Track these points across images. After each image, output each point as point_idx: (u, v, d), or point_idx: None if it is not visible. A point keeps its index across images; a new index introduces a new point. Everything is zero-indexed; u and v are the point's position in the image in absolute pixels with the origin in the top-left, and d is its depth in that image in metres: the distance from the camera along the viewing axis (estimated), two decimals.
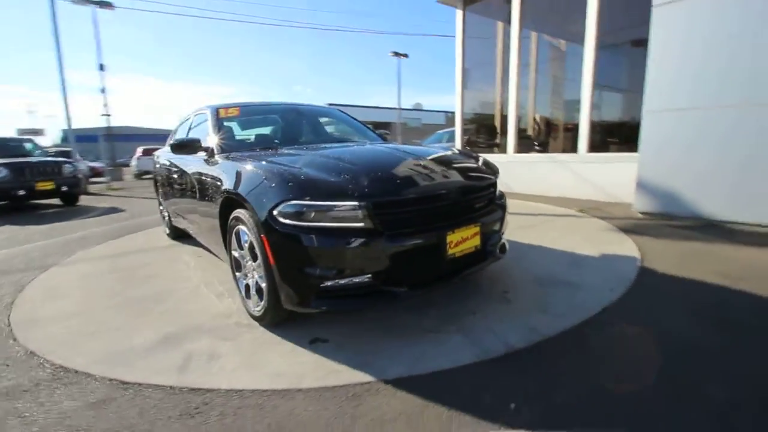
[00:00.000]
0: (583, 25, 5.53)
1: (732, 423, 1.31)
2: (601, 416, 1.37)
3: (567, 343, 1.86)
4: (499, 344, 1.84)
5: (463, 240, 1.98)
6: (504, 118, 7.39)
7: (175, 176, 3.40)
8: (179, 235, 4.24)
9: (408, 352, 1.80)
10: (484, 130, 8.13)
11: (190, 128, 3.55)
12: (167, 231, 4.38)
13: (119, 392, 1.62)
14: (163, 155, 4.03)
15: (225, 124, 2.93)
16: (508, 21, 7.20)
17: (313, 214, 1.74)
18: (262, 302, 2.03)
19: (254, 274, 2.10)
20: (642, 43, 4.43)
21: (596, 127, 5.74)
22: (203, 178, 2.66)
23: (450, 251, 1.93)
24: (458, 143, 7.95)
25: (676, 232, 3.68)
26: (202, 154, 2.75)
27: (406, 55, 30.01)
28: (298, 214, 1.75)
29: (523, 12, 6.46)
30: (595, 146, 5.73)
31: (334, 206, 1.74)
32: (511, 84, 6.75)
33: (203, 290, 2.74)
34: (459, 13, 7.48)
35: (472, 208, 2.13)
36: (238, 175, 2.13)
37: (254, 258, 2.03)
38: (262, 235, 1.83)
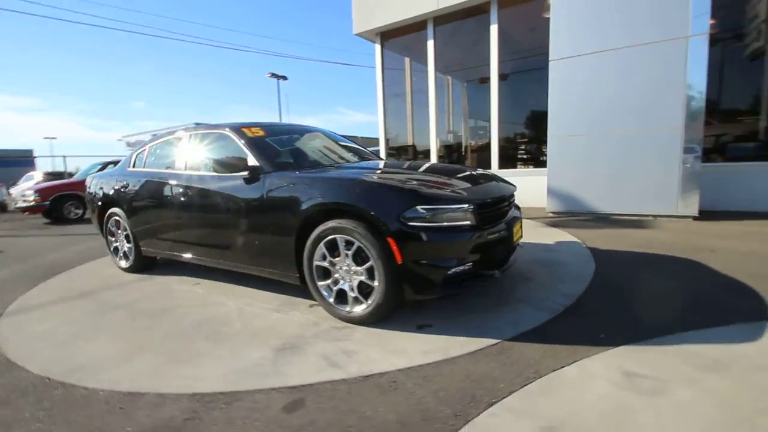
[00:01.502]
0: (487, 69, 6.97)
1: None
2: (648, 319, 2.13)
3: (594, 294, 2.64)
4: (555, 304, 2.50)
5: (517, 231, 2.62)
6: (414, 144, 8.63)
7: (180, 198, 3.17)
8: (144, 266, 3.82)
9: (503, 320, 2.32)
10: (403, 153, 9.10)
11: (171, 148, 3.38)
12: (125, 264, 3.86)
13: (325, 392, 1.71)
14: (138, 175, 3.61)
15: (264, 143, 2.97)
16: (418, 60, 8.41)
17: (435, 216, 2.14)
18: (370, 301, 2.27)
19: (353, 278, 2.33)
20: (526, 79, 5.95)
21: (503, 149, 7.20)
22: (252, 196, 2.69)
23: (514, 240, 2.54)
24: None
25: (584, 223, 5.07)
26: (238, 174, 2.77)
27: (284, 77, 29.96)
28: (424, 218, 2.12)
29: (436, 57, 7.67)
30: (503, 164, 7.18)
31: (452, 208, 2.17)
32: (431, 114, 7.87)
33: (254, 310, 2.72)
34: (377, 48, 8.35)
35: (515, 208, 2.80)
36: (343, 188, 2.36)
37: (360, 263, 2.27)
38: (388, 238, 2.12)
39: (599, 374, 1.74)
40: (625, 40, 4.96)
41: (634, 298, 2.58)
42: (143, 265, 3.81)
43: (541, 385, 1.68)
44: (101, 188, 4.00)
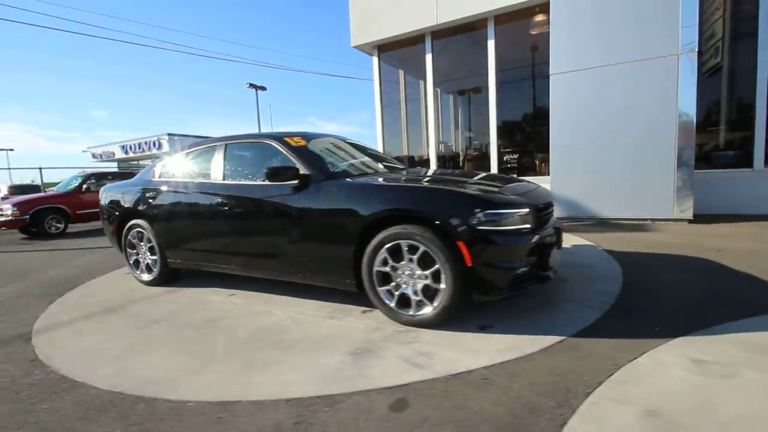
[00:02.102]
0: (478, 80, 7.26)
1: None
2: (690, 312, 2.29)
3: (631, 292, 2.81)
4: (600, 303, 2.65)
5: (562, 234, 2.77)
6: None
7: (221, 209, 3.12)
8: (168, 279, 3.72)
9: (559, 319, 2.43)
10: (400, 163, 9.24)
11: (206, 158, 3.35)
12: (148, 277, 3.74)
13: (422, 391, 1.75)
14: (167, 185, 3.53)
15: (310, 152, 3.00)
16: (411, 72, 8.65)
17: (501, 220, 2.24)
18: (436, 303, 2.34)
19: (417, 282, 2.39)
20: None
21: (501, 156, 7.48)
22: (306, 204, 2.71)
23: (561, 243, 2.68)
24: None
25: (589, 227, 5.34)
26: (288, 182, 2.78)
27: (264, 88, 29.68)
28: (492, 221, 2.22)
29: (434, 70, 7.93)
30: (501, 170, 7.44)
31: (515, 213, 2.28)
32: (430, 125, 8.09)
33: (306, 318, 2.72)
34: (375, 60, 8.53)
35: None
36: (411, 195, 2.46)
37: (424, 266, 2.34)
38: (459, 242, 2.20)
39: (670, 362, 1.87)
40: (621, 56, 5.33)
41: (669, 295, 2.77)
42: (167, 277, 3.71)
43: (624, 375, 1.80)
44: (120, 200, 3.88)
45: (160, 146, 23.68)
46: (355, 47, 8.44)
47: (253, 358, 2.18)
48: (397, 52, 8.62)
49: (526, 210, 2.32)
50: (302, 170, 2.79)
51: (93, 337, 2.63)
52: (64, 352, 2.43)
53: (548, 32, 5.83)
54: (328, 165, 3.02)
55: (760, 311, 2.37)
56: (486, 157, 7.71)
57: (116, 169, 18.11)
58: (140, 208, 3.66)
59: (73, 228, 9.24)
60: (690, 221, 5.17)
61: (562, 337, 2.20)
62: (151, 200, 3.58)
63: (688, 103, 5.02)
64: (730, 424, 1.44)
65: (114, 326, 2.80)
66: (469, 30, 7.42)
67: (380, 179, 2.82)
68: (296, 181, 2.77)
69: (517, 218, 2.29)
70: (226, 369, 2.08)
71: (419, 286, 2.39)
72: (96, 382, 2.03)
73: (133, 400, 1.85)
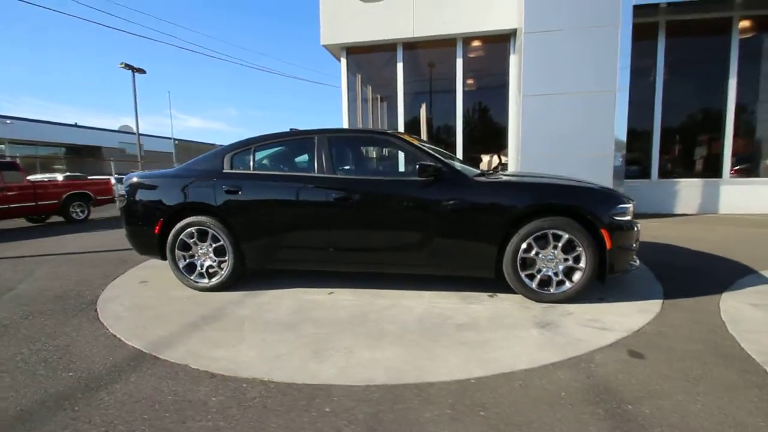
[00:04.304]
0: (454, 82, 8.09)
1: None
2: (706, 277, 3.29)
3: (654, 270, 3.76)
4: (649, 277, 3.52)
5: None
6: None
7: (336, 204, 3.02)
8: (232, 283, 3.38)
9: (641, 289, 3.19)
10: None
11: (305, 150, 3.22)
12: (209, 282, 3.30)
13: (639, 343, 2.20)
14: (253, 178, 3.20)
15: (430, 148, 3.16)
16: (370, 76, 8.99)
17: (626, 211, 2.86)
18: (575, 280, 2.83)
19: (558, 265, 2.86)
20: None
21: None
22: (451, 199, 2.90)
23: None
24: None
25: None
26: (421, 178, 2.95)
27: (143, 71, 25.71)
28: (622, 213, 2.83)
29: (405, 77, 8.42)
30: None
31: (631, 206, 2.93)
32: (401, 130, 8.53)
33: (446, 305, 2.91)
34: (343, 62, 8.57)
35: None
36: (563, 191, 2.93)
37: (567, 251, 2.82)
38: (603, 230, 2.75)
39: (740, 306, 2.75)
40: (579, 87, 6.69)
41: (678, 269, 3.81)
42: (234, 281, 3.34)
43: (730, 317, 2.58)
44: (168, 194, 3.32)
45: None
46: (324, 46, 8.35)
47: (437, 344, 2.31)
48: (361, 56, 8.84)
49: (633, 204, 3.01)
50: (440, 166, 2.97)
51: (253, 350, 2.35)
52: (238, 361, 2.15)
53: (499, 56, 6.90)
54: (448, 160, 3.22)
55: (743, 273, 3.54)
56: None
57: None
58: (208, 202, 3.22)
59: None
60: None
61: (660, 300, 2.94)
62: (228, 194, 3.19)
63: (621, 128, 6.62)
64: None
65: (267, 334, 2.51)
66: (442, 46, 8.14)
67: (525, 178, 3.19)
68: (430, 177, 2.94)
69: (631, 210, 2.95)
70: (463, 353, 2.19)
71: (560, 268, 2.86)
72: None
73: (412, 388, 1.87)
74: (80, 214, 8.96)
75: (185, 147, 40.64)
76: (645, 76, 7.53)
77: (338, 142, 3.25)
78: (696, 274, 3.57)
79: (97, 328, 2.65)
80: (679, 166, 7.83)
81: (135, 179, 3.47)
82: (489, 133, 8.73)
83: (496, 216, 2.87)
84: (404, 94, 8.40)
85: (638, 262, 3.10)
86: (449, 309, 2.85)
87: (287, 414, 1.67)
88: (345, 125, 8.83)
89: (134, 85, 23.43)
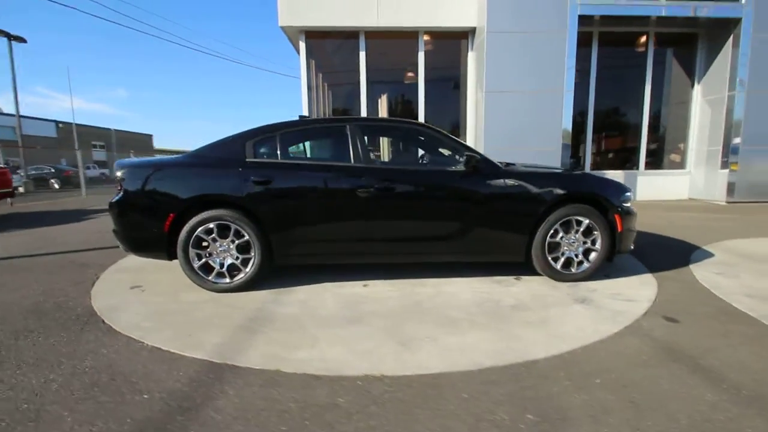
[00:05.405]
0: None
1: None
2: (671, 254, 3.99)
3: None
4: (631, 256, 4.11)
5: None
6: None
7: (377, 194, 2.96)
8: (254, 282, 3.14)
9: (628, 265, 3.71)
10: None
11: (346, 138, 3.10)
12: (230, 282, 3.01)
13: (661, 312, 2.57)
14: (281, 167, 2.96)
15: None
16: (324, 63, 8.78)
17: (629, 198, 3.30)
18: (591, 260, 3.20)
19: (578, 248, 3.20)
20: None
21: None
22: (489, 189, 3.06)
23: None
24: None
25: None
26: (459, 168, 3.07)
27: (23, 39, 21.43)
28: (628, 200, 3.25)
29: (368, 66, 8.34)
30: None
31: (631, 194, 3.37)
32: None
33: (487, 288, 3.08)
34: (302, 45, 8.17)
35: None
36: (587, 181, 3.23)
37: (586, 235, 3.17)
38: (616, 215, 3.14)
39: (709, 276, 3.37)
40: (532, 86, 7.32)
41: (643, 247, 4.50)
42: (257, 280, 3.09)
43: (708, 284, 3.17)
44: (179, 186, 2.91)
45: None
46: (282, 27, 7.85)
47: (522, 320, 2.51)
48: (318, 42, 8.52)
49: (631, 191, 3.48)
50: (481, 157, 3.10)
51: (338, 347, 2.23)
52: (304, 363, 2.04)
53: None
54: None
55: (700, 243, 4.32)
56: None
57: None
58: (232, 194, 2.92)
59: None
60: None
61: (649, 274, 3.47)
62: (258, 185, 2.92)
63: (567, 124, 7.45)
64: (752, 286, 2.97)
65: (334, 331, 2.39)
66: (404, 37, 8.21)
67: (550, 169, 3.46)
68: (469, 167, 3.06)
69: (631, 197, 3.41)
70: (538, 331, 2.36)
71: (580, 250, 3.21)
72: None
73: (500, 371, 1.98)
74: None
75: (65, 129, 33.99)
76: (581, 80, 8.52)
77: (371, 131, 3.18)
78: (659, 251, 4.25)
79: (125, 341, 2.27)
80: (605, 159, 9.08)
81: (136, 167, 2.98)
82: (446, 127, 9.12)
83: (533, 204, 3.10)
84: (367, 83, 8.34)
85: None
86: (493, 292, 3.01)
87: (428, 404, 1.67)
88: (304, 113, 8.47)
89: (11, 57, 19.41)
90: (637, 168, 8.71)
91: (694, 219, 6.39)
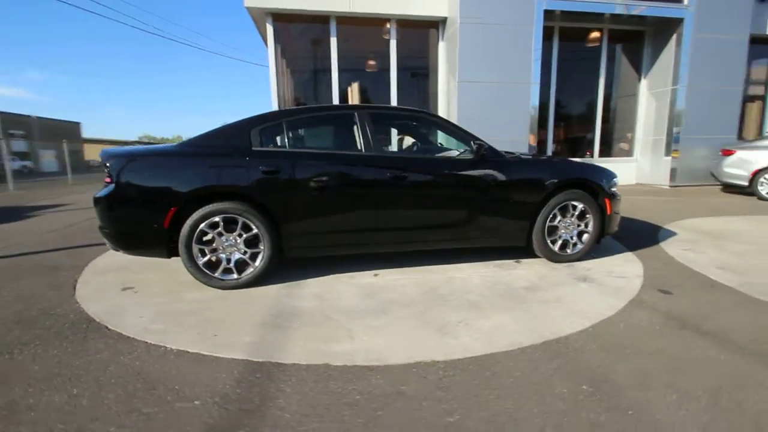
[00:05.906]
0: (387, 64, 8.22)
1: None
2: (645, 234, 4.40)
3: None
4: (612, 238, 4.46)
5: None
6: None
7: (387, 182, 2.94)
8: (263, 276, 3.03)
9: (609, 246, 4.03)
10: None
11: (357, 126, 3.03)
12: (238, 277, 2.86)
13: (656, 285, 2.83)
14: (290, 156, 2.83)
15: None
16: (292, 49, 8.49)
17: (616, 184, 3.56)
18: (583, 241, 3.44)
19: (574, 230, 3.41)
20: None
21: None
22: (496, 176, 3.16)
23: None
24: None
25: None
26: (449, 156, 3.17)
27: None
28: (615, 185, 3.51)
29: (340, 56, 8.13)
30: None
31: (617, 179, 3.64)
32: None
33: (494, 272, 3.21)
34: (270, 28, 7.77)
35: None
36: (581, 169, 3.41)
37: (581, 218, 3.39)
38: (606, 199, 3.38)
39: (680, 252, 3.77)
40: (500, 76, 7.57)
41: (627, 230, 4.89)
42: (265, 275, 2.97)
43: (682, 260, 3.54)
44: (178, 178, 2.69)
45: None
46: (247, 8, 7.40)
47: (538, 300, 2.65)
48: (286, 26, 8.17)
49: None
50: (488, 146, 3.18)
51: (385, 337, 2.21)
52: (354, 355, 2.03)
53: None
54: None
55: (643, 228, 4.77)
56: None
57: None
58: (239, 185, 2.75)
59: None
60: None
61: (630, 252, 3.80)
62: (267, 175, 2.77)
63: (534, 113, 7.82)
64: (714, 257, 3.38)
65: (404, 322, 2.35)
66: (374, 24, 8.09)
67: (545, 157, 3.58)
68: (475, 155, 3.15)
69: (617, 182, 3.68)
70: (556, 310, 2.50)
71: (575, 233, 3.43)
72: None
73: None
74: None
75: (7, 119, 29.68)
76: (543, 72, 8.95)
77: (380, 119, 3.14)
78: (631, 232, 4.65)
79: (143, 347, 2.09)
80: (565, 148, 9.67)
81: (128, 157, 2.70)
82: None
83: (535, 191, 3.25)
84: (339, 71, 8.16)
85: None
86: (501, 276, 3.14)
87: (490, 385, 1.73)
88: (273, 99, 8.11)
89: None
90: (592, 156, 9.38)
91: (648, 201, 7.03)
